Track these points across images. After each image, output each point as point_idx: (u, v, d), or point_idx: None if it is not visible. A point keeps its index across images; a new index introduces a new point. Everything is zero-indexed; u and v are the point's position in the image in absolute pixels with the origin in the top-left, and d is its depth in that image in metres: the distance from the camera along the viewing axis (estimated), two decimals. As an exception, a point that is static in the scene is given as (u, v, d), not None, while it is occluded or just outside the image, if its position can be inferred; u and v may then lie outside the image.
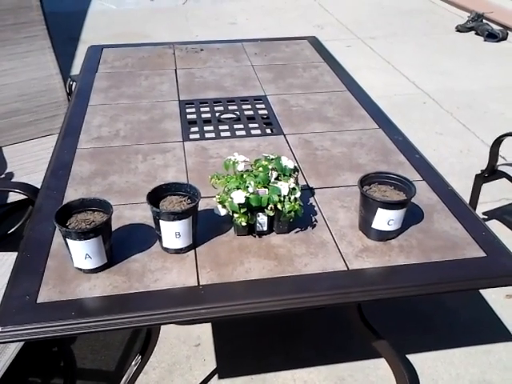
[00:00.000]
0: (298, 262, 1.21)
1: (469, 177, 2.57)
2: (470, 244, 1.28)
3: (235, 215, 1.23)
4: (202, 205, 1.34)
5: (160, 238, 1.22)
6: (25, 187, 1.78)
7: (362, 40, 5.36)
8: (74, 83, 2.33)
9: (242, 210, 1.22)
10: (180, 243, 1.21)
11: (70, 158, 1.62)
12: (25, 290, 1.12)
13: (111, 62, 2.38)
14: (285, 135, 1.78)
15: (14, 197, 1.94)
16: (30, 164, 2.23)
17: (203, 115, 1.91)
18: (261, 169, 1.28)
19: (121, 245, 1.25)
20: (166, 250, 1.23)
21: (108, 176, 1.53)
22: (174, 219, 1.16)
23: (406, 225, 1.31)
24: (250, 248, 1.26)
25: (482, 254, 1.24)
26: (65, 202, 1.39)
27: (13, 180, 2.13)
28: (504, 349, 1.98)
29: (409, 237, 1.30)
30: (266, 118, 1.90)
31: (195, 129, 1.82)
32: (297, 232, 1.32)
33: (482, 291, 2.23)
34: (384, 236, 1.28)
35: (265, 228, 1.28)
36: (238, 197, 1.21)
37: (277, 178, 1.28)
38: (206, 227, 1.31)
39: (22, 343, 1.41)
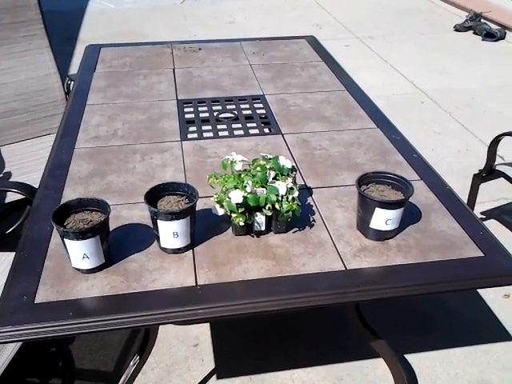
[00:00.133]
0: (295, 262, 1.21)
1: (467, 176, 2.56)
2: (468, 244, 1.28)
3: (233, 215, 1.23)
4: (200, 204, 1.34)
5: (158, 238, 1.22)
6: (22, 187, 1.78)
7: (360, 39, 5.36)
8: (72, 82, 2.33)
9: (240, 210, 1.22)
10: (178, 243, 1.21)
11: (68, 157, 1.62)
12: (22, 290, 1.12)
13: (109, 62, 2.38)
14: (283, 135, 1.78)
15: (12, 196, 1.94)
16: (28, 164, 2.22)
17: (201, 115, 1.91)
18: (259, 168, 1.28)
19: (119, 245, 1.25)
20: (164, 249, 1.23)
21: (106, 176, 1.53)
22: (171, 219, 1.16)
23: (403, 224, 1.31)
24: (248, 248, 1.26)
25: (480, 254, 1.24)
26: (62, 201, 1.38)
27: (10, 180, 2.13)
28: (502, 348, 1.98)
29: (406, 236, 1.30)
30: (264, 117, 1.90)
31: (193, 128, 1.82)
32: (295, 232, 1.31)
33: (480, 291, 2.23)
34: (382, 236, 1.28)
35: (263, 228, 1.28)
36: (236, 196, 1.20)
37: (275, 178, 1.28)
38: (203, 227, 1.31)
39: (19, 343, 1.41)
